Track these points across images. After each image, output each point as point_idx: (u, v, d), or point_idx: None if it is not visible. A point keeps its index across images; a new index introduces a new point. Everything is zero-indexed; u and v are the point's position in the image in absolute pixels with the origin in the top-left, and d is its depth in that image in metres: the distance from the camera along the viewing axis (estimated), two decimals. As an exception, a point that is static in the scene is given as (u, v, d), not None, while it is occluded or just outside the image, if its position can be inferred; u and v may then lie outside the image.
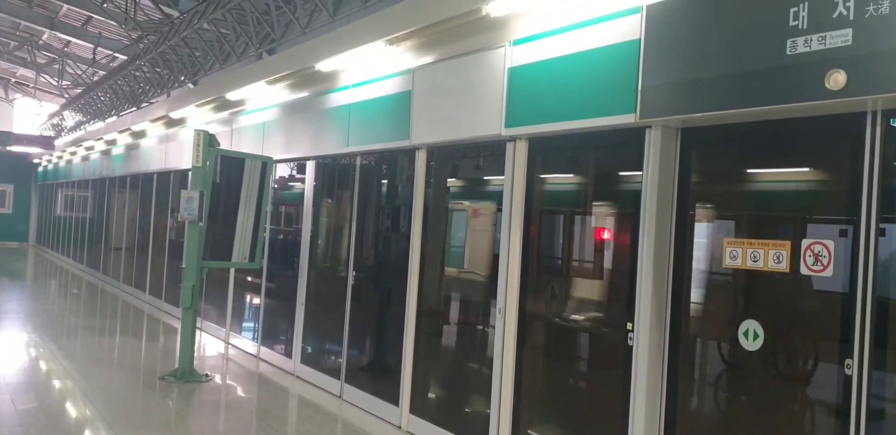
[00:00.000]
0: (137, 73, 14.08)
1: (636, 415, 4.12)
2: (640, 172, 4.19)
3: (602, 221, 5.21)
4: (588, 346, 5.20)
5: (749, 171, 4.19)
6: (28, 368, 8.23)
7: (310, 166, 8.18)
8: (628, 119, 4.18)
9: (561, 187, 5.43)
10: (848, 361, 3.23)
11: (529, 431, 5.04)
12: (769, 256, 3.58)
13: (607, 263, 5.01)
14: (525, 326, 5.07)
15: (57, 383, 7.48)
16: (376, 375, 6.82)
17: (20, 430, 5.76)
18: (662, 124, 4.09)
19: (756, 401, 4.01)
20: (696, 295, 4.14)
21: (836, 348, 3.36)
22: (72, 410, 6.55)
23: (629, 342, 4.20)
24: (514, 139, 5.16)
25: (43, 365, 8.38)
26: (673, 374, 4.08)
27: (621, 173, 4.89)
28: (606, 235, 4.92)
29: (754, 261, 3.64)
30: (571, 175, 5.42)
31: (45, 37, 19.35)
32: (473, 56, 5.53)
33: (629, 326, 4.21)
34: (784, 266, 3.53)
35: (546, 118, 4.83)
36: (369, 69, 6.96)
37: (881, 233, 3.19)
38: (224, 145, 8.62)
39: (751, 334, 3.69)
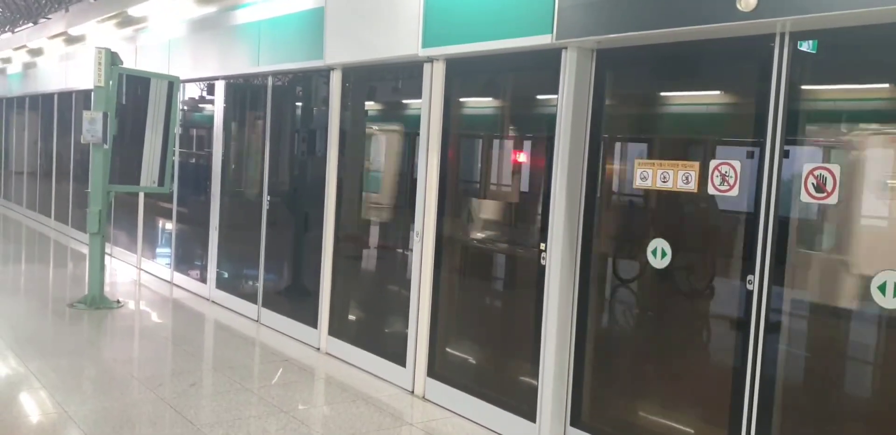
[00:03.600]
0: (30, -15, 13.03)
1: (548, 331, 4.25)
2: (556, 96, 4.17)
3: (518, 145, 5.21)
4: (503, 266, 5.29)
5: (661, 93, 4.22)
6: (-75, 298, 7.89)
7: (219, 87, 7.86)
8: (545, 40, 4.12)
9: (478, 111, 5.38)
10: (750, 277, 3.38)
11: (447, 349, 5.16)
12: (678, 177, 3.65)
13: (523, 186, 5.05)
14: (442, 248, 5.11)
15: (-42, 313, 7.20)
16: (294, 299, 6.82)
17: (-81, 360, 5.56)
18: (578, 45, 4.05)
19: (663, 316, 4.18)
20: (607, 216, 4.22)
21: (739, 265, 3.50)
22: (-25, 339, 6.33)
23: (542, 262, 4.28)
24: (431, 60, 5.04)
25: (-58, 294, 8.04)
26: (583, 292, 4.20)
27: (538, 96, 4.86)
28: (522, 159, 4.93)
29: (664, 181, 3.72)
30: (489, 98, 5.36)
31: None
32: (390, -29, 5.30)
33: (542, 246, 4.28)
34: (692, 186, 3.62)
35: (463, 39, 4.72)
36: (281, -17, 6.62)
37: (785, 154, 3.28)
38: (128, 64, 8.16)
39: (659, 253, 3.80)
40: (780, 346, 3.39)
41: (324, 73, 6.16)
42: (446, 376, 5.04)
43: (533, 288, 4.41)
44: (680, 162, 3.68)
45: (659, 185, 3.75)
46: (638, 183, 3.85)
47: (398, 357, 5.34)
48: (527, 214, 4.91)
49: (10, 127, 15.85)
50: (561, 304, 4.22)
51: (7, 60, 15.81)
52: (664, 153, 3.97)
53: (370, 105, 6.38)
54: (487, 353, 5.13)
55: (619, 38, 3.78)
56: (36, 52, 13.97)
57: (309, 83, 6.72)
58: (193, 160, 8.75)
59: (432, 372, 5.11)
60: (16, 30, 14.96)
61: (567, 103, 4.11)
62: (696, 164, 3.61)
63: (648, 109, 4.28)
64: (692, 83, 3.99)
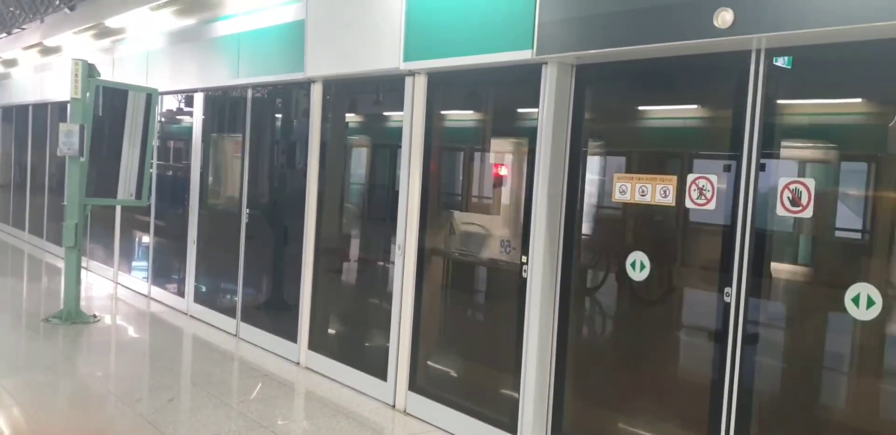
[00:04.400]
0: (5, -4, 12.93)
1: (530, 343, 4.26)
2: (537, 109, 4.21)
3: (500, 158, 5.25)
4: (485, 279, 5.30)
5: (639, 107, 4.27)
6: None
7: (198, 99, 7.83)
8: (525, 55, 4.17)
9: (460, 124, 5.41)
10: (727, 289, 3.42)
11: (429, 363, 5.15)
12: (656, 191, 3.70)
13: (504, 198, 5.08)
14: (424, 260, 5.11)
15: (-71, 328, 7.07)
16: (274, 313, 6.77)
17: None
18: (558, 61, 4.09)
19: (642, 327, 4.21)
20: (587, 229, 4.26)
21: (716, 278, 3.54)
22: (-53, 354, 6.22)
23: (524, 275, 4.30)
24: (412, 74, 5.06)
25: (-87, 309, 7.89)
26: (564, 304, 4.23)
27: (519, 110, 4.90)
28: (504, 172, 4.96)
29: (642, 195, 3.76)
30: (471, 111, 5.39)
31: None
32: (370, -15, 5.34)
33: (524, 259, 4.30)
34: (670, 200, 3.66)
35: (444, 53, 4.76)
36: (261, -4, 6.63)
37: (761, 168, 3.34)
38: (105, 76, 8.12)
39: (637, 265, 3.84)
40: (757, 357, 3.43)
41: (304, 86, 6.16)
42: (428, 390, 5.03)
43: (514, 300, 4.43)
44: (658, 176, 3.73)
45: (638, 198, 3.79)
46: (617, 196, 3.90)
47: (379, 371, 5.32)
48: (508, 227, 4.94)
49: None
50: (542, 316, 4.24)
51: (-20, 71, 15.63)
52: (643, 167, 4.02)
53: (351, 117, 6.39)
54: (469, 366, 5.13)
55: (598, 53, 3.83)
56: (10, 63, 13.83)
57: (289, 95, 6.72)
58: (171, 173, 8.70)
59: (414, 386, 5.10)
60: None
61: (547, 117, 4.15)
62: (674, 178, 3.66)
63: (627, 123, 4.34)
64: (670, 98, 4.04)
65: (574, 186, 4.16)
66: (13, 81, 13.70)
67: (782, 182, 3.23)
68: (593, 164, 4.21)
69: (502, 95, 5.30)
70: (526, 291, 4.29)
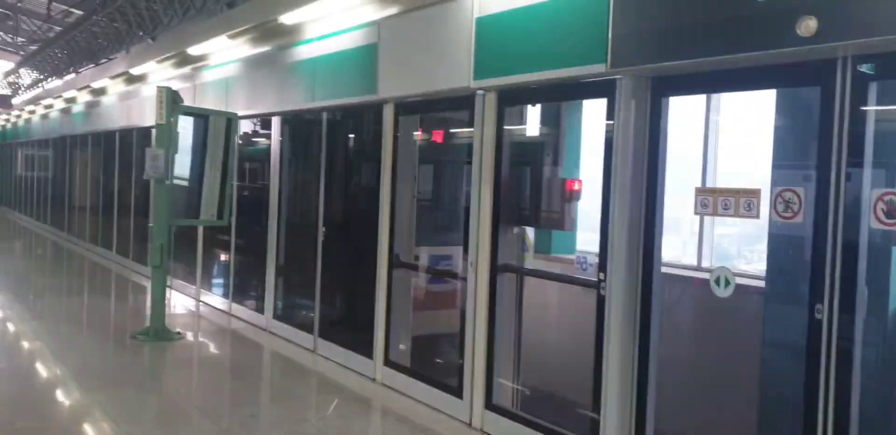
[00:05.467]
0: (95, 29, 13.62)
1: (611, 363, 4.17)
2: (611, 122, 4.17)
3: (573, 173, 5.21)
4: (560, 296, 5.24)
5: (718, 119, 4.18)
6: (-4, 330, 8.14)
7: (275, 122, 8.04)
8: (598, 69, 4.14)
9: (530, 139, 5.39)
10: (818, 305, 3.28)
11: (505, 381, 5.11)
12: (740, 204, 3.59)
13: (579, 214, 5.03)
14: (496, 277, 5.08)
15: (26, 344, 7.40)
16: (349, 329, 6.85)
17: (-10, 391, 5.72)
18: (633, 74, 4.04)
19: (728, 344, 4.09)
20: (668, 243, 4.16)
21: (805, 293, 3.41)
22: (42, 370, 6.50)
23: (601, 292, 4.23)
24: (482, 91, 5.09)
25: (11, 326, 8.27)
26: (645, 322, 4.12)
27: (591, 124, 4.86)
28: (577, 187, 4.91)
29: (725, 209, 3.66)
30: (541, 127, 5.38)
31: (-5, -10, 18.61)
32: (440, 6, 5.40)
33: (601, 275, 4.24)
34: (755, 213, 3.55)
35: (514, 70, 4.77)
36: (334, 21, 6.79)
37: (847, 178, 3.21)
38: (187, 102, 8.43)
39: (722, 281, 3.73)
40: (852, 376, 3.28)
41: (376, 107, 6.26)
42: (504, 408, 4.98)
43: (592, 318, 4.36)
44: (741, 189, 3.63)
45: (720, 212, 3.69)
46: (699, 210, 3.80)
47: (454, 389, 5.30)
48: (583, 243, 4.88)
49: (73, 163, 16.42)
50: (622, 335, 4.14)
51: (71, 100, 16.45)
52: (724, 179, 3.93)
53: (420, 136, 6.45)
54: (546, 384, 5.07)
55: (676, 65, 3.77)
56: (99, 92, 14.51)
57: (362, 116, 6.83)
58: (247, 193, 8.93)
59: (490, 404, 5.06)
60: (79, 71, 15.61)
61: (624, 130, 4.10)
62: (758, 191, 3.55)
63: (707, 136, 4.25)
64: (752, 108, 3.94)
65: (652, 200, 4.08)
66: (101, 109, 14.37)
67: (875, 193, 3.09)
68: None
69: (573, 110, 5.28)
70: (605, 309, 4.21)
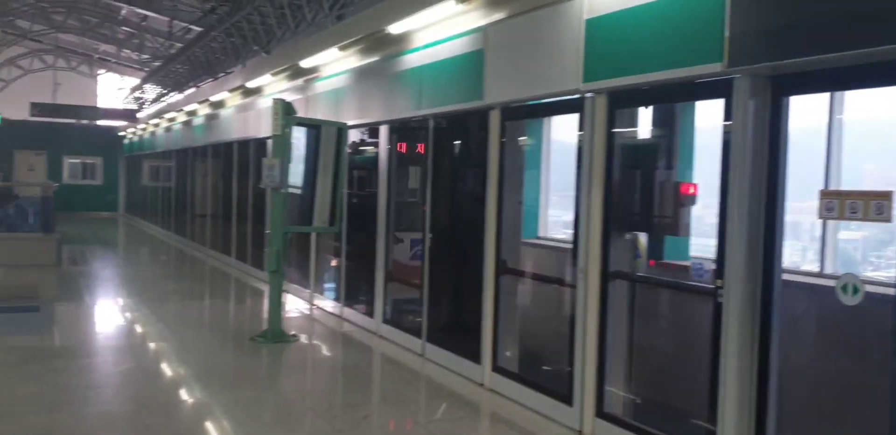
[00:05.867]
0: (213, 44, 14.32)
1: (728, 374, 4.03)
2: (730, 123, 4.03)
3: (686, 176, 5.07)
4: (674, 302, 5.11)
5: (841, 117, 3.98)
6: (125, 332, 8.65)
7: (383, 130, 8.20)
8: (714, 68, 4.02)
9: (642, 142, 5.28)
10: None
11: (616, 389, 5.02)
12: (870, 208, 3.40)
13: (693, 219, 4.89)
14: (607, 284, 5.00)
15: (152, 345, 7.83)
16: (457, 334, 6.89)
17: (125, 389, 6.08)
18: (752, 72, 3.90)
19: (856, 354, 3.87)
20: (789, 249, 3.99)
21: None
22: (167, 370, 6.85)
23: (718, 299, 4.09)
24: (592, 94, 5.03)
25: (138, 328, 8.78)
26: (765, 332, 3.95)
27: (704, 125, 4.72)
28: (692, 191, 4.78)
29: (853, 212, 3.47)
30: (653, 129, 5.26)
31: (123, 12, 19.84)
32: (548, 9, 5.39)
33: (718, 282, 4.10)
34: (886, 216, 3.35)
35: (626, 71, 4.69)
36: (440, 29, 6.88)
37: None
38: (300, 113, 8.71)
39: (850, 289, 3.54)
40: None
41: (483, 113, 6.28)
42: (616, 416, 4.89)
43: (707, 326, 4.22)
44: (871, 191, 3.43)
45: (847, 216, 3.51)
46: (824, 214, 3.63)
47: (564, 396, 5.25)
48: (698, 248, 4.74)
49: (194, 174, 17.28)
50: (741, 345, 3.99)
51: (191, 113, 17.33)
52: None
53: (527, 141, 6.43)
54: (660, 393, 4.94)
55: (798, 63, 3.61)
56: (216, 105, 15.22)
57: (468, 123, 6.88)
58: (358, 200, 9.15)
59: (601, 412, 4.98)
60: (199, 85, 16.43)
61: (742, 131, 3.96)
62: (890, 193, 3.35)
63: (830, 135, 4.05)
64: (881, 106, 3.73)
65: (773, 204, 3.92)
66: (219, 121, 15.06)
67: None
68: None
69: (686, 111, 5.14)
70: (722, 317, 4.07)
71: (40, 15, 20.12)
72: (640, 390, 5.05)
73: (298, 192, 8.11)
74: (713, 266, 4.19)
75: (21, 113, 21.95)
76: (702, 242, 5.10)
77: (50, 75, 25.32)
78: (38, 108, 21.21)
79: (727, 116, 4.05)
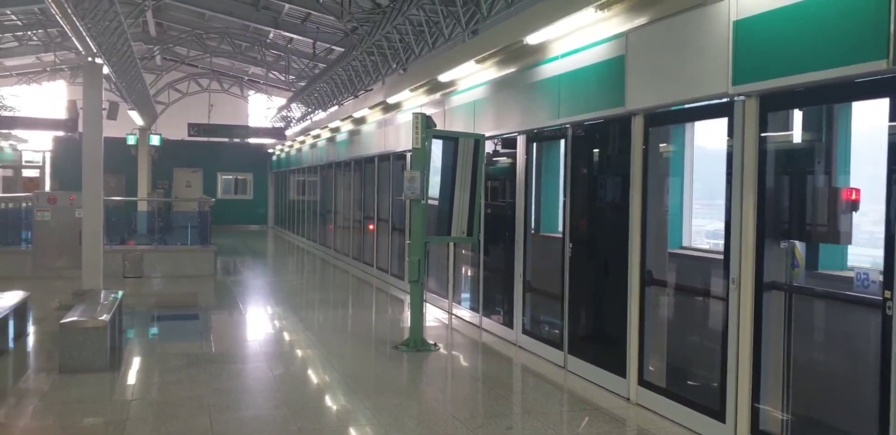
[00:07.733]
0: (354, 63, 14.86)
1: (899, 392, 3.74)
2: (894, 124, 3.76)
3: (844, 181, 4.76)
4: (834, 316, 4.79)
5: None
6: (276, 338, 9.08)
7: (520, 141, 8.21)
8: (878, 66, 3.77)
9: (795, 146, 5.01)
10: None
11: (772, 407, 4.76)
12: None
13: (854, 227, 4.58)
14: (762, 296, 4.76)
15: (300, 352, 8.17)
16: (600, 347, 6.76)
17: (277, 394, 6.38)
18: (924, 68, 3.63)
19: None
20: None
21: None
22: (315, 376, 7.12)
23: (888, 312, 3.80)
24: (742, 97, 4.83)
25: (287, 336, 9.19)
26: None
27: (869, 126, 4.42)
28: (854, 196, 4.48)
29: None
30: (807, 132, 4.98)
31: (270, 36, 20.98)
32: (692, 12, 5.24)
33: (887, 294, 3.81)
34: None
35: (778, 72, 4.48)
36: (578, 38, 6.83)
37: None
38: (438, 126, 8.88)
39: None
40: None
41: (624, 120, 6.17)
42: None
43: (872, 340, 3.93)
44: None
45: None
46: None
47: (716, 412, 5.03)
48: (862, 257, 4.43)
49: (337, 187, 17.95)
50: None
51: (335, 130, 18.04)
52: None
53: (670, 148, 6.24)
54: (820, 411, 4.64)
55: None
56: (358, 121, 15.77)
57: (608, 130, 6.77)
58: (494, 211, 9.19)
59: (756, 429, 4.73)
60: (341, 102, 17.09)
61: (911, 133, 3.68)
62: None
63: None
64: None
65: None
66: (360, 137, 15.59)
67: None
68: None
69: (842, 113, 4.84)
70: (892, 330, 3.78)
71: (196, 41, 21.60)
72: (798, 408, 4.76)
73: (437, 203, 8.26)
74: (879, 277, 3.91)
75: (180, 133, 23.58)
76: (856, 251, 4.79)
77: (205, 97, 27.09)
78: (194, 128, 22.70)
79: (892, 117, 3.78)
